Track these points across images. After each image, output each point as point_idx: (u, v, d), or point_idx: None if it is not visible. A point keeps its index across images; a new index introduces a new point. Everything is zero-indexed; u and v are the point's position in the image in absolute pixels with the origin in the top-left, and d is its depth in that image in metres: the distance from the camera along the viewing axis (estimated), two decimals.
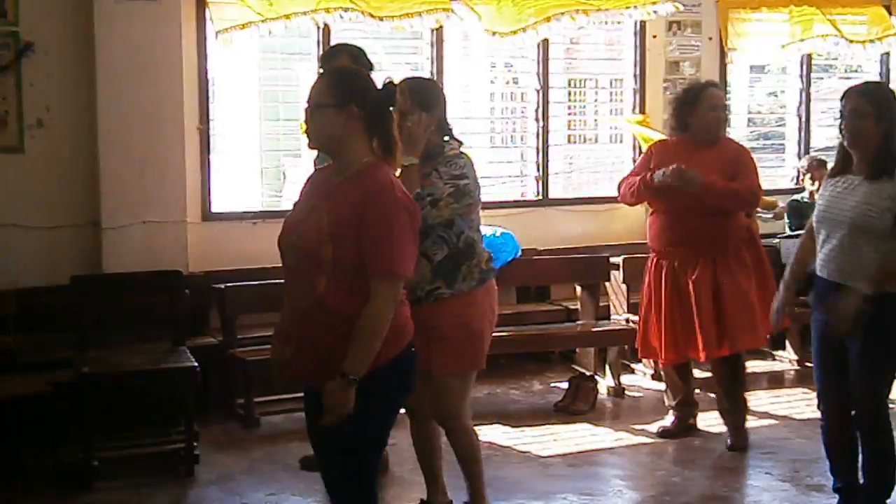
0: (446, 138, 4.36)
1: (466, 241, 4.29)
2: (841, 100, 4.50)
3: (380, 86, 3.43)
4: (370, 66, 5.39)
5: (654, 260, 5.80)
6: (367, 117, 3.34)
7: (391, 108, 3.44)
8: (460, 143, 4.42)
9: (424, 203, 4.10)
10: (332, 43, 6.67)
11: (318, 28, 6.99)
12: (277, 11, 6.73)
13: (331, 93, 3.32)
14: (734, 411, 5.83)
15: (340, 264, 3.23)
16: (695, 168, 5.44)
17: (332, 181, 3.38)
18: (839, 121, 4.49)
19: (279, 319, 3.64)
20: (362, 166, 3.32)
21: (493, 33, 7.30)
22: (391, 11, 6.98)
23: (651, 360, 7.05)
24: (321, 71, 5.45)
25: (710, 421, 6.16)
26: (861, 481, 4.55)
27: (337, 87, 3.35)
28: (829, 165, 5.14)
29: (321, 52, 7.06)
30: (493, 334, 4.51)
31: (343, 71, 3.58)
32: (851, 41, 8.46)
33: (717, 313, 5.58)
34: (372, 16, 6.89)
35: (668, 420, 6.03)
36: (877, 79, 9.00)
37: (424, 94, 4.29)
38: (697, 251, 5.57)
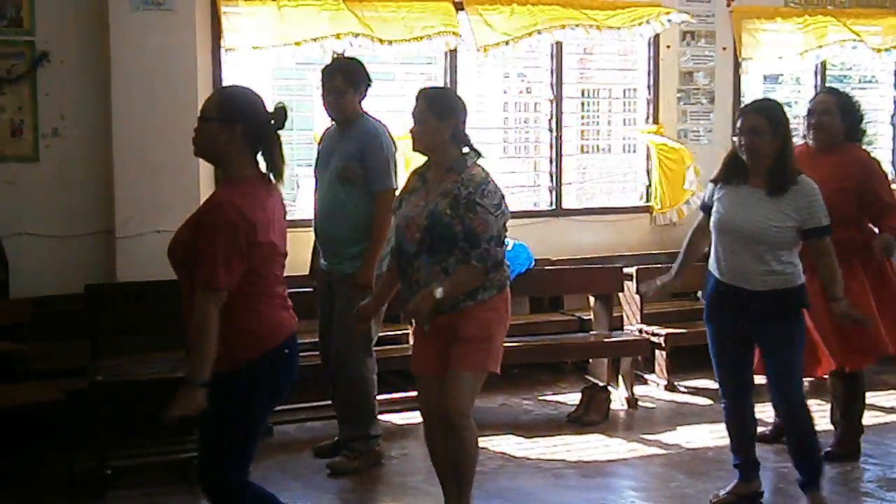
0: (466, 150, 4.44)
1: (500, 255, 4.40)
2: (739, 117, 4.81)
3: (272, 109, 3.66)
4: (368, 81, 5.47)
5: None
6: (250, 136, 3.57)
7: (278, 130, 3.66)
8: (479, 154, 4.48)
9: (490, 248, 4.26)
10: (345, 54, 6.71)
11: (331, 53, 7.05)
12: (287, 37, 6.78)
13: (218, 108, 3.58)
14: (846, 425, 5.68)
15: (183, 268, 3.56)
16: (809, 174, 5.15)
17: None
18: (737, 136, 4.76)
19: None
20: (227, 180, 3.61)
21: (506, 43, 7.32)
22: (400, 35, 7.03)
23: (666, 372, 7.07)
24: (322, 86, 5.49)
25: (722, 432, 6.13)
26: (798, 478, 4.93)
27: (225, 104, 3.60)
28: None
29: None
30: (505, 344, 4.56)
31: (234, 89, 3.81)
32: (871, 46, 8.42)
33: (834, 328, 5.32)
34: (381, 41, 6.94)
35: (831, 440, 5.75)
36: (890, 87, 9.00)
37: (437, 103, 4.45)
38: (809, 265, 5.12)
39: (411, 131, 4.46)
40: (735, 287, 4.77)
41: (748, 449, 5.06)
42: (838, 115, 5.47)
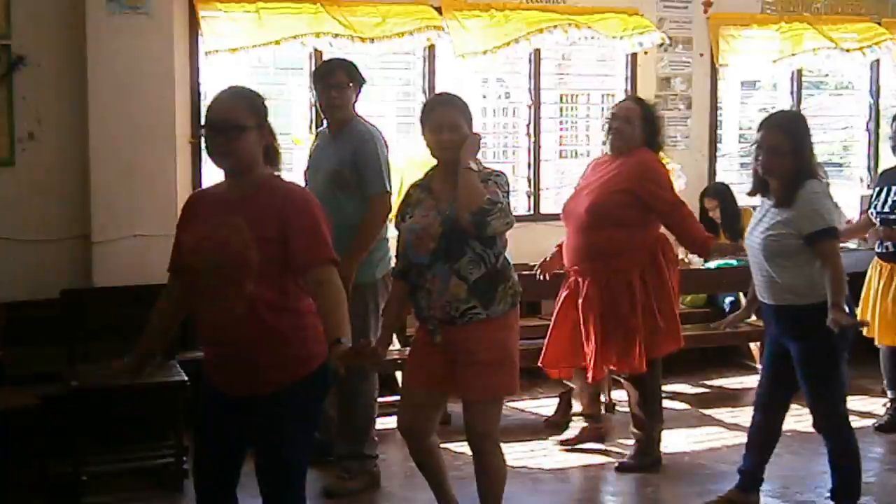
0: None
1: (504, 261, 4.26)
2: (758, 130, 4.68)
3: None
4: (362, 81, 5.43)
5: (566, 275, 5.76)
6: (269, 134, 3.54)
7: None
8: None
9: (495, 211, 4.12)
10: (324, 57, 6.69)
11: (311, 54, 7.07)
12: (267, 37, 6.75)
13: (253, 113, 3.47)
14: (637, 434, 5.73)
15: (268, 265, 3.39)
16: (590, 181, 5.53)
17: (232, 197, 3.50)
18: (755, 149, 4.65)
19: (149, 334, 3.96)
20: (266, 178, 3.52)
21: (485, 52, 7.35)
22: (381, 32, 7.02)
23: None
24: (316, 86, 5.44)
25: (698, 437, 6.18)
26: (830, 487, 4.84)
27: (256, 108, 3.50)
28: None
29: (313, 66, 7.09)
30: None
31: (250, 90, 3.68)
32: (847, 50, 8.45)
33: (601, 335, 5.49)
34: (362, 40, 6.92)
35: (572, 432, 6.09)
36: (866, 93, 9.05)
37: (467, 109, 4.39)
38: (588, 269, 5.48)
39: (443, 139, 4.26)
40: (763, 303, 4.76)
41: (758, 460, 4.98)
42: (640, 124, 5.47)
